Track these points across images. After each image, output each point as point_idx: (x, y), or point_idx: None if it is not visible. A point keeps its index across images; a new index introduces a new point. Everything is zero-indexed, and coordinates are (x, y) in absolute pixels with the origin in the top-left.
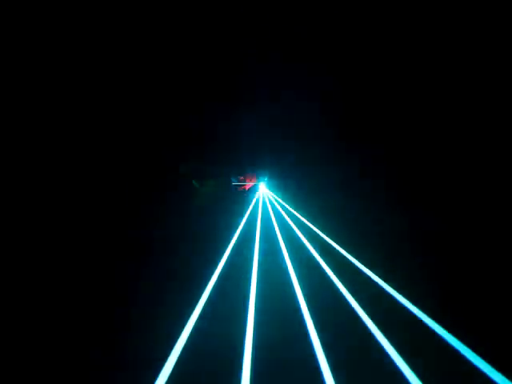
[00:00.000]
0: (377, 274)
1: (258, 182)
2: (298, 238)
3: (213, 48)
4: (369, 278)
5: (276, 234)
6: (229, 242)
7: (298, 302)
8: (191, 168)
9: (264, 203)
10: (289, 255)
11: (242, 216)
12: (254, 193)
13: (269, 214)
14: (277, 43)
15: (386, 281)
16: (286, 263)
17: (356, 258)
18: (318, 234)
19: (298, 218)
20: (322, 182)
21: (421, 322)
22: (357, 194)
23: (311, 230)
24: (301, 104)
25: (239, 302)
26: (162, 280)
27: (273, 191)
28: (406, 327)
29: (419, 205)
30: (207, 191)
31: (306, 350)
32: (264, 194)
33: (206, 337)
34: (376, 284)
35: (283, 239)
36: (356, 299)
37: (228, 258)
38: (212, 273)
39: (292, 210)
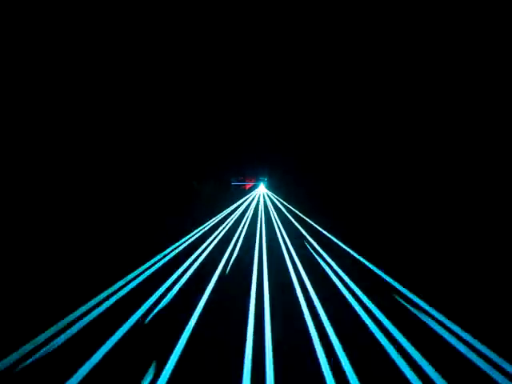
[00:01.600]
0: (292, 206)
1: (258, 182)
2: (273, 200)
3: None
4: (287, 205)
5: (266, 200)
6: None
7: (267, 202)
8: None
9: (263, 194)
10: (270, 201)
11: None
12: (254, 189)
13: (264, 196)
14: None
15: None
16: (267, 203)
17: (288, 204)
18: (280, 200)
19: (277, 197)
20: (294, 184)
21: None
22: (306, 193)
23: (279, 199)
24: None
25: (259, 201)
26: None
27: (270, 190)
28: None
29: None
30: (207, 192)
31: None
32: (262, 192)
33: (249, 200)
34: (286, 205)
35: (269, 200)
36: (282, 206)
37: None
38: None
39: (274, 195)
